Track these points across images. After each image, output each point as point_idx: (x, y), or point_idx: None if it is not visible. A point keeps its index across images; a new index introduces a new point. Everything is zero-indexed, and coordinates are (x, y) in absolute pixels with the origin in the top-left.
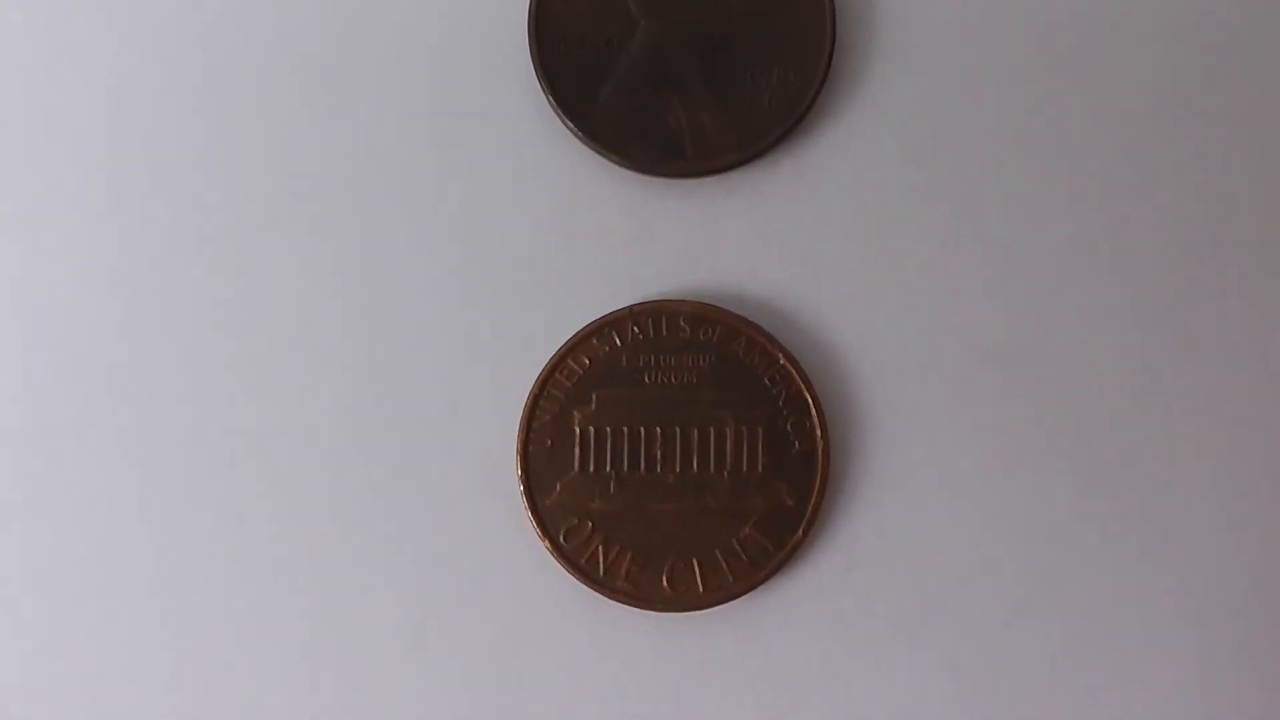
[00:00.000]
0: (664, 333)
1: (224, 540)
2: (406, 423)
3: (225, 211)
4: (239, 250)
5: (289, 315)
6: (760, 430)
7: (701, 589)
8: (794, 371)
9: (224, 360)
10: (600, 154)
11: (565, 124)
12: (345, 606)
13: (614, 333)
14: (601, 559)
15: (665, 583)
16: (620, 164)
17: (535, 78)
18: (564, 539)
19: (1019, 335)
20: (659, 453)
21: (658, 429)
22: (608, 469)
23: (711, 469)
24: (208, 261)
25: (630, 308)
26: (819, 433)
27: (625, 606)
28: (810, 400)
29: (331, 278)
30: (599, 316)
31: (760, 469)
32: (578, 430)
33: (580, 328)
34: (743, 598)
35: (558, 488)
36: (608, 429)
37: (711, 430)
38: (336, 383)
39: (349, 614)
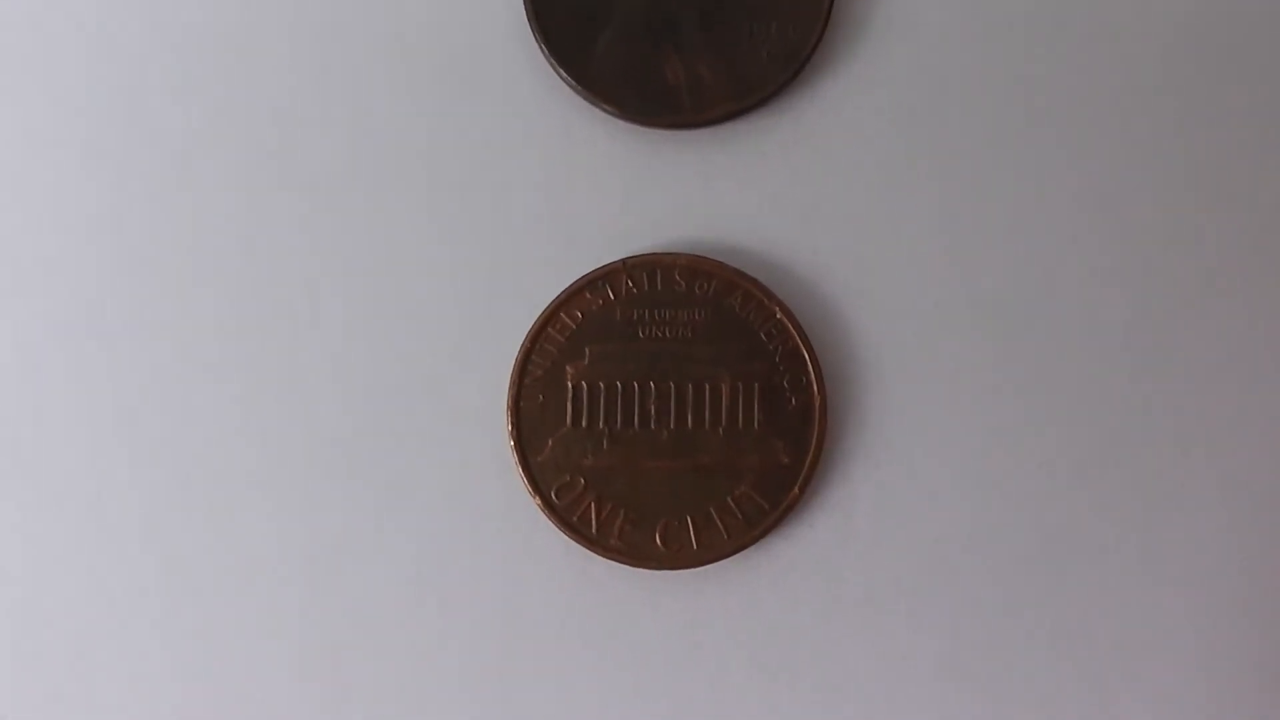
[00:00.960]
0: (659, 286)
1: (208, 504)
2: (395, 378)
3: (211, 161)
4: (226, 203)
5: (274, 270)
6: (756, 386)
7: (695, 547)
8: (791, 326)
9: (207, 311)
10: (595, 105)
11: (560, 74)
12: (334, 566)
13: (608, 286)
14: (594, 517)
15: (658, 541)
16: (616, 115)
17: (529, 26)
18: (556, 496)
19: (1022, 292)
20: (653, 408)
21: (651, 384)
22: (600, 425)
23: (706, 425)
24: (195, 212)
25: (624, 261)
26: (816, 388)
27: (618, 565)
28: (807, 355)
29: (319, 233)
30: (592, 269)
31: (756, 425)
32: (570, 386)
33: (573, 281)
34: (737, 556)
35: (549, 444)
36: (600, 384)
37: (706, 386)
38: (325, 338)
39: (338, 574)
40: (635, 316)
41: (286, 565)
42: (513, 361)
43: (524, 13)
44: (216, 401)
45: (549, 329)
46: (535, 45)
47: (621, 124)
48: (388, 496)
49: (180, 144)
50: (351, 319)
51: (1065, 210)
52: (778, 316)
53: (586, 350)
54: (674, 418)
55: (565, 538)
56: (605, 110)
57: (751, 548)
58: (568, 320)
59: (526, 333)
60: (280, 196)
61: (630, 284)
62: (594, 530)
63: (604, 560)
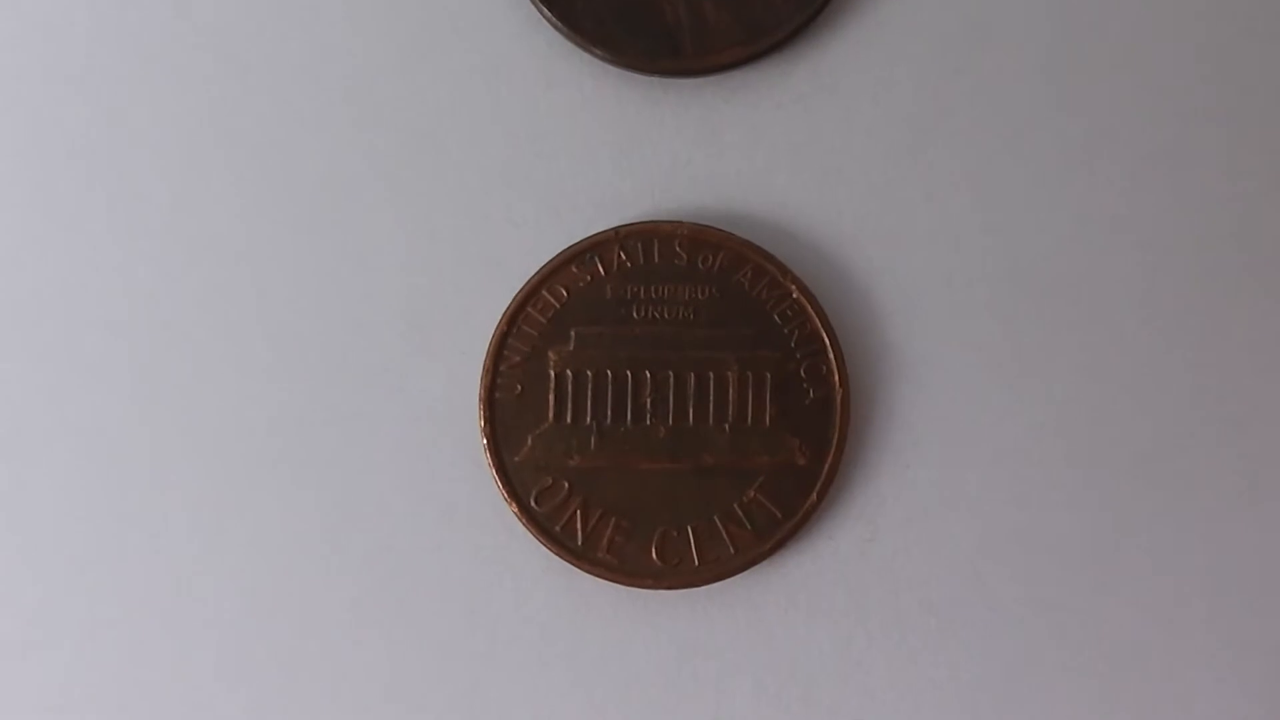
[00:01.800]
0: (656, 259)
1: (129, 509)
2: (351, 365)
3: (144, 122)
4: (180, 159)
5: (205, 234)
6: (768, 375)
7: (697, 562)
8: (809, 306)
9: (131, 286)
10: (583, 48)
11: (541, 11)
12: (275, 583)
13: (597, 259)
14: (580, 526)
15: (655, 554)
16: (606, 60)
17: None
18: (535, 502)
19: (1074, 268)
20: (648, 401)
21: (647, 373)
22: (588, 420)
23: (710, 421)
24: (152, 175)
25: (616, 229)
26: (837, 378)
27: (607, 582)
28: (828, 340)
29: (257, 193)
30: (579, 240)
31: (768, 421)
32: (553, 374)
33: (557, 253)
34: (746, 573)
35: (529, 442)
36: (588, 373)
37: (711, 375)
38: (263, 316)
39: (280, 592)
40: (628, 294)
41: (217, 584)
42: (486, 346)
43: None
44: (137, 394)
45: (528, 309)
46: None
47: (613, 70)
48: (337, 504)
49: (107, 101)
50: (294, 297)
51: (1124, 174)
52: (794, 295)
53: (572, 333)
54: (673, 412)
55: (546, 550)
56: (594, 54)
57: (763, 563)
58: (550, 298)
59: (502, 313)
60: (228, 152)
61: (623, 256)
62: (579, 542)
63: (591, 577)
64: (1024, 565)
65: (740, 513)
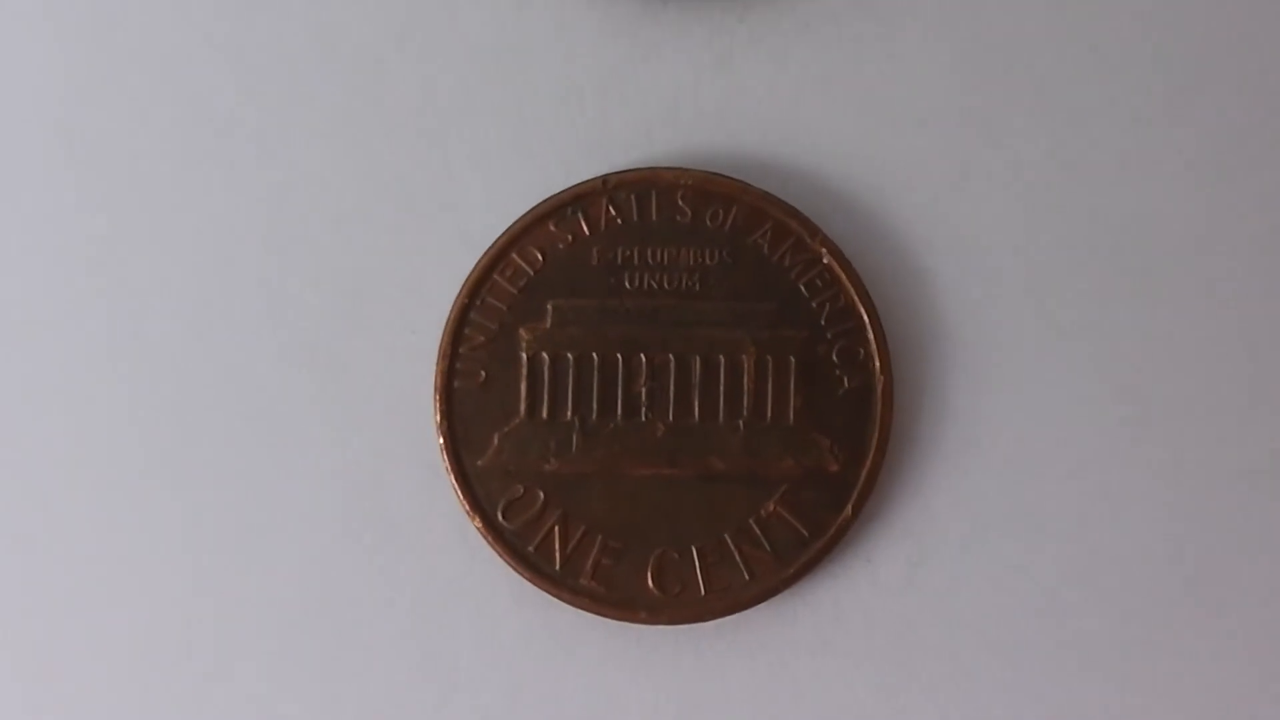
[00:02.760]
0: (653, 216)
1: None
2: (271, 346)
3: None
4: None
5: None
6: (792, 359)
7: (703, 591)
8: (843, 274)
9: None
10: None
11: None
12: (180, 614)
13: (579, 214)
14: (559, 546)
15: (651, 581)
16: None
17: None
18: (504, 516)
19: (1172, 227)
20: (643, 391)
21: (642, 357)
22: (568, 415)
23: (720, 416)
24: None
25: (604, 178)
26: (878, 364)
27: (592, 615)
28: (866, 316)
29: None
30: (558, 190)
31: (792, 417)
32: (525, 357)
33: (530, 207)
34: (763, 605)
35: (495, 442)
36: (569, 356)
37: (721, 359)
38: (164, 290)
39: (186, 625)
40: (619, 259)
41: (124, 605)
42: (442, 323)
43: None
44: (36, 388)
45: (495, 276)
46: None
47: None
48: (255, 520)
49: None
50: (196, 259)
51: (1214, 126)
52: (824, 260)
53: (549, 307)
54: (674, 405)
55: (517, 576)
56: None
57: (784, 593)
58: (522, 263)
59: (462, 281)
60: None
61: (613, 211)
62: (558, 565)
63: (572, 609)
64: (1110, 596)
65: (757, 530)
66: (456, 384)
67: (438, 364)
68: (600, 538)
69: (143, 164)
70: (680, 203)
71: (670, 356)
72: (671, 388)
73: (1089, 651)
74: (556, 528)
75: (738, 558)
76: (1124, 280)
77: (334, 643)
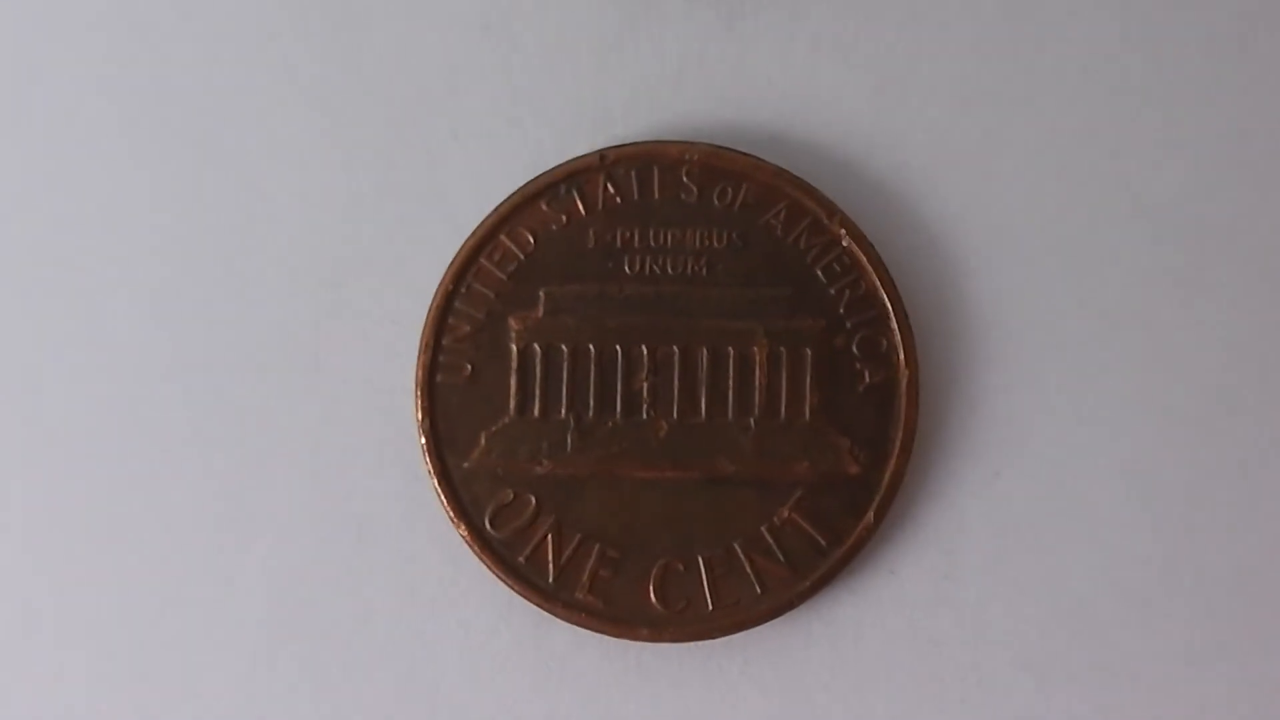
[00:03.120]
0: (655, 194)
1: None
2: (241, 338)
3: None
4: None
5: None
6: (808, 352)
7: (711, 606)
8: (864, 257)
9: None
10: None
11: None
12: (154, 622)
13: (575, 193)
14: (552, 556)
15: (654, 595)
16: None
17: None
18: (491, 524)
19: (1215, 205)
20: (645, 387)
21: (643, 349)
22: (562, 413)
23: (729, 414)
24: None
25: (601, 153)
26: (902, 356)
27: (589, 632)
28: (890, 305)
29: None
30: (552, 166)
31: (808, 414)
32: (515, 349)
33: (520, 185)
34: (777, 621)
35: (482, 442)
36: (563, 348)
37: (730, 351)
38: (143, 257)
39: (154, 640)
40: (618, 241)
41: (83, 625)
42: (424, 313)
43: None
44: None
45: (481, 260)
46: None
47: None
48: (225, 528)
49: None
50: (163, 248)
51: (1264, 97)
52: (843, 243)
53: (541, 294)
54: (678, 401)
55: (506, 588)
56: None
57: (800, 607)
58: (511, 246)
59: (446, 266)
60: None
61: (611, 189)
62: (551, 577)
63: (567, 625)
64: (1160, 614)
65: (770, 539)
66: (440, 379)
67: (419, 357)
68: (598, 547)
69: (105, 137)
70: (685, 180)
71: (674, 348)
72: (676, 383)
73: (1135, 675)
74: (549, 536)
75: (748, 569)
76: (1173, 263)
77: (305, 664)
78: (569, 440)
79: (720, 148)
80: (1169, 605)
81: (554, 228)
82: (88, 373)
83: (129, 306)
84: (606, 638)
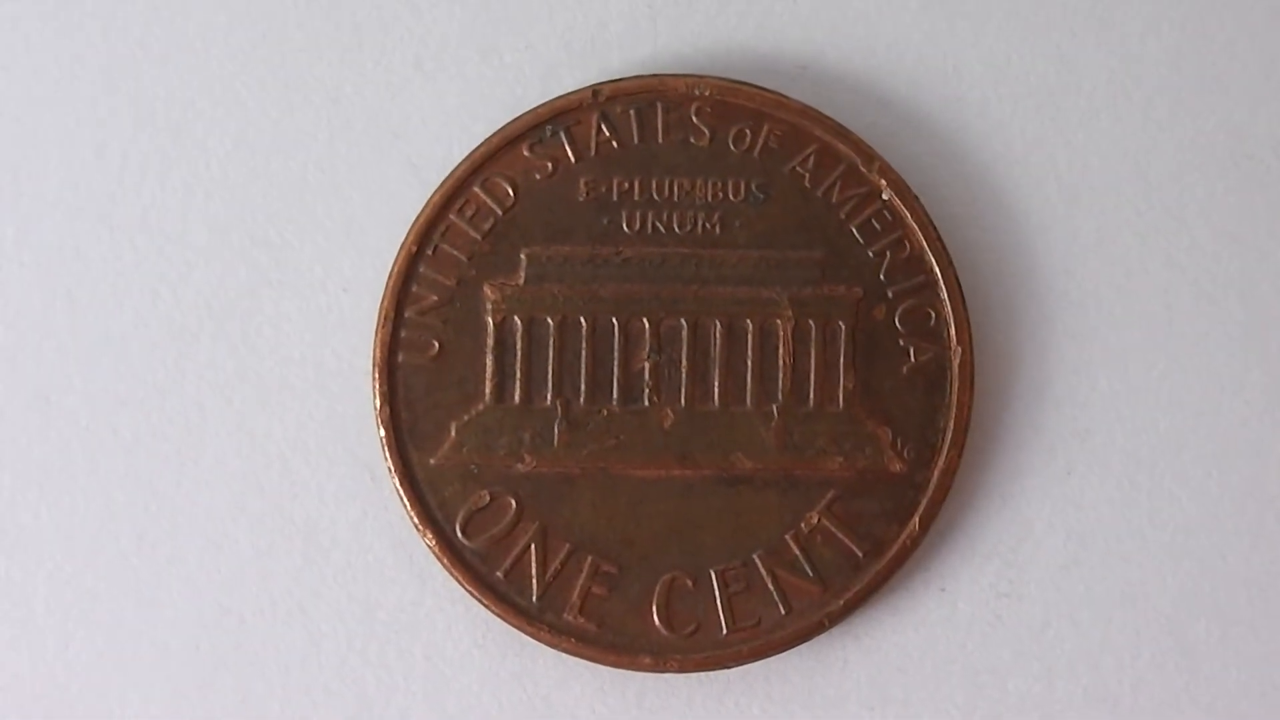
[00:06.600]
0: (658, 138)
1: None
2: (175, 307)
3: None
4: None
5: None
6: (842, 326)
7: (725, 629)
8: (909, 214)
9: None
10: None
11: None
12: (83, 638)
13: (562, 135)
14: (536, 570)
15: (657, 617)
16: None
17: None
18: (463, 531)
19: None
20: (646, 368)
21: (644, 322)
22: (548, 399)
23: (748, 400)
24: None
25: (594, 88)
26: (954, 332)
27: (580, 660)
28: (940, 272)
29: (83, 35)
30: (535, 105)
31: (841, 400)
32: (491, 323)
33: (497, 127)
34: (805, 646)
35: (452, 434)
36: (549, 321)
37: (749, 325)
38: (53, 207)
39: (85, 658)
40: (614, 194)
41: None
42: (383, 278)
43: None
44: None
45: (451, 216)
46: None
47: None
48: (153, 533)
49: None
50: (77, 201)
51: None
52: (884, 195)
53: (522, 256)
54: (686, 385)
55: (482, 608)
56: None
57: (833, 629)
58: (487, 200)
59: (409, 224)
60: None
61: (606, 132)
62: (535, 596)
63: (553, 651)
64: (1248, 632)
65: (796, 549)
66: (402, 358)
67: (377, 332)
68: (590, 560)
69: (18, 66)
70: (695, 120)
71: (682, 322)
72: (684, 363)
73: (1233, 711)
74: (533, 546)
75: (770, 585)
76: (1278, 218)
77: (240, 698)
78: (556, 432)
79: (736, 82)
80: (1273, 629)
81: (538, 177)
82: None
83: (35, 270)
84: (601, 668)
